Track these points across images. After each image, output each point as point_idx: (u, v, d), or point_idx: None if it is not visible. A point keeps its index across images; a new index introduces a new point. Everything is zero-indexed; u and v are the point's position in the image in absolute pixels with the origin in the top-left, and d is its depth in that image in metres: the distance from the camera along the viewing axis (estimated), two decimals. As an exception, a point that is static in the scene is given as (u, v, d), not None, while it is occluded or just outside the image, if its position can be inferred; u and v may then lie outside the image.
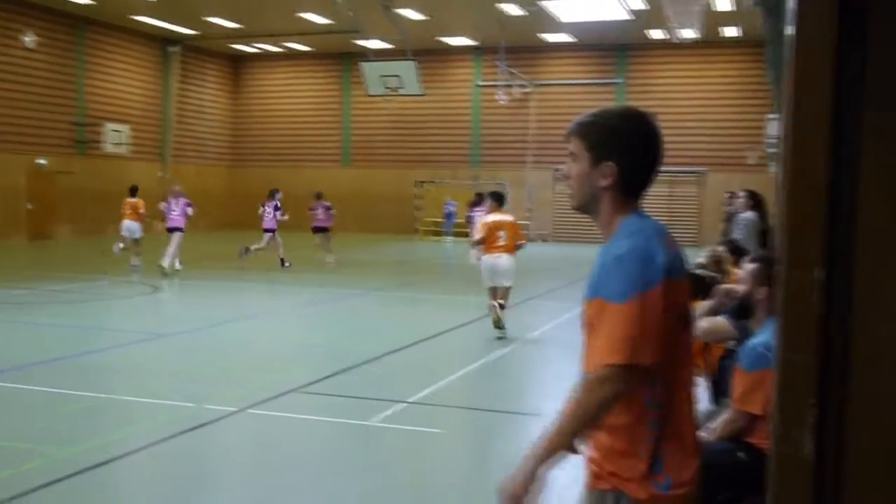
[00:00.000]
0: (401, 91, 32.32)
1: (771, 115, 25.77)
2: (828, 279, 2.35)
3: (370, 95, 33.46)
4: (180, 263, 18.97)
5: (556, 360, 10.56)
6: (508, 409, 8.15)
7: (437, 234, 35.98)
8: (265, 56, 40.55)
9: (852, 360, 2.46)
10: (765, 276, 4.36)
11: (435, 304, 15.59)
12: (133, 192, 20.46)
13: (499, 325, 11.46)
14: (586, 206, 2.57)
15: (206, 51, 38.86)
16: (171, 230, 19.08)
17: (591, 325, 2.42)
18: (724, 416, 4.32)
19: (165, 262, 18.34)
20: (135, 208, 19.86)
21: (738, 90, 33.85)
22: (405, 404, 7.91)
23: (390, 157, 38.68)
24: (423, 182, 36.98)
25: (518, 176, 36.61)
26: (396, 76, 31.71)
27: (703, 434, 2.79)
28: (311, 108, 40.15)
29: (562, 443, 2.45)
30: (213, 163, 40.22)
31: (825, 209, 2.32)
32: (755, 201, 11.47)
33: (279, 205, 21.52)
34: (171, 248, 18.65)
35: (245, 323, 12.61)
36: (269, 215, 21.36)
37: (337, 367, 9.46)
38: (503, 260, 11.59)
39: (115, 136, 32.59)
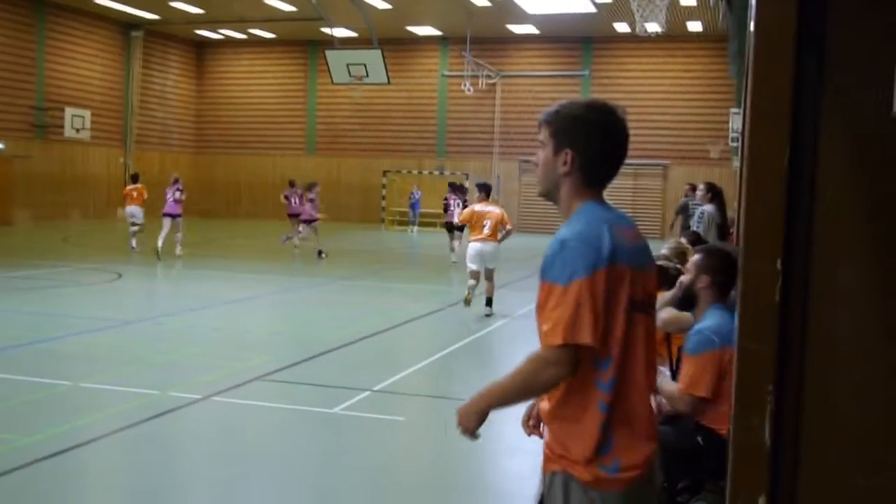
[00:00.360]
0: (366, 80, 32.16)
1: (734, 110, 26.06)
2: (786, 270, 2.42)
3: (336, 84, 33.36)
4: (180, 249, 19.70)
5: (519, 350, 10.63)
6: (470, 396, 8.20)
7: (403, 223, 35.97)
8: (229, 42, 40.20)
9: (809, 349, 2.53)
10: (707, 266, 4.46)
11: (402, 293, 15.62)
12: (135, 178, 21.72)
13: (468, 303, 12.67)
14: (549, 193, 2.67)
15: (169, 36, 38.44)
16: (167, 216, 20.01)
17: (539, 308, 2.52)
18: (670, 393, 4.36)
19: (160, 243, 19.27)
20: (139, 193, 20.59)
21: (701, 84, 34.16)
22: (370, 392, 7.94)
23: (356, 146, 38.57)
24: (388, 171, 36.92)
25: (484, 166, 36.68)
26: (362, 65, 31.60)
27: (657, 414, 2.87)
28: (276, 95, 39.88)
29: (501, 404, 2.69)
30: (176, 150, 39.84)
31: (784, 201, 2.39)
32: (713, 193, 11.60)
33: (314, 196, 21.91)
34: (164, 231, 19.64)
35: (210, 311, 12.56)
36: (296, 204, 22.43)
37: (302, 355, 9.47)
38: (489, 246, 12.74)
39: (76, 122, 32.17)
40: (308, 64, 39.24)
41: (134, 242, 20.38)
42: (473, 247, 12.73)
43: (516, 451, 6.44)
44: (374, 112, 37.92)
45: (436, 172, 36.69)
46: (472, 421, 2.72)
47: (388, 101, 37.49)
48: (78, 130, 32.24)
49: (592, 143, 2.54)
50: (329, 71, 32.26)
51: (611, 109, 2.57)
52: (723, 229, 11.05)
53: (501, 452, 6.58)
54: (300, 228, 21.76)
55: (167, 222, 19.84)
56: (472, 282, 12.69)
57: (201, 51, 40.92)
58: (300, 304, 13.76)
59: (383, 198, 36.92)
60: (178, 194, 20.13)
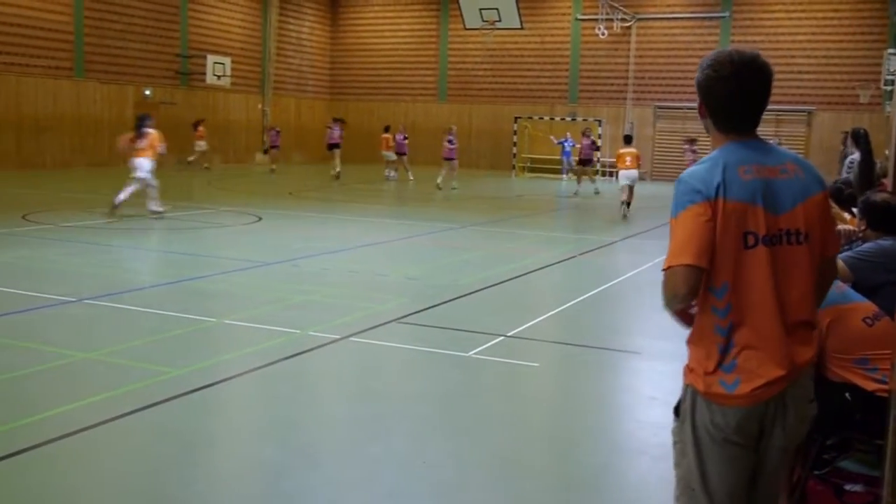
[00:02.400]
0: (499, 25, 31.92)
1: (890, 51, 24.55)
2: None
3: (468, 29, 33.20)
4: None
5: (655, 298, 10.43)
6: (606, 345, 8.13)
7: (535, 170, 35.71)
8: (363, -11, 40.50)
9: None
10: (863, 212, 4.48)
11: (534, 240, 15.56)
12: (387, 129, 27.12)
13: (625, 214, 19.34)
14: (708, 132, 2.97)
15: (305, -17, 39.01)
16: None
17: None
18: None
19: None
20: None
21: (851, 24, 32.33)
22: (503, 338, 7.96)
23: (487, 92, 38.39)
24: (519, 118, 36.62)
25: (617, 112, 35.97)
26: (495, 9, 31.31)
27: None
28: (408, 42, 40.01)
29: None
30: (311, 96, 40.63)
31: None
32: (856, 139, 10.96)
33: (592, 142, 26.75)
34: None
35: (345, 254, 12.82)
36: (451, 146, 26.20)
37: (436, 299, 9.56)
38: (630, 172, 19.76)
39: (217, 69, 33.17)
40: (440, 10, 39.14)
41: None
42: (621, 173, 20.01)
43: (653, 402, 6.36)
44: (506, 58, 37.59)
45: (567, 119, 36.19)
46: None
47: (519, 46, 37.09)
48: (219, 77, 33.27)
49: (713, 93, 2.84)
50: (461, 16, 32.15)
51: (730, 64, 2.78)
52: (869, 176, 10.47)
53: (638, 402, 6.51)
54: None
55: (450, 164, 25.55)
56: (623, 196, 19.63)
57: (336, -2, 41.38)
58: (432, 249, 13.88)
59: (514, 144, 36.73)
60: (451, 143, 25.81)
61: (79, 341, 7.43)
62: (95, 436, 5.26)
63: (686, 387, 2.89)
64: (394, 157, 28.91)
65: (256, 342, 7.56)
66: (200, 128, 31.63)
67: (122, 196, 15.61)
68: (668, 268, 2.70)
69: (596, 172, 28.43)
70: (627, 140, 21.42)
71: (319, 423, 5.83)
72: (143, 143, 15.96)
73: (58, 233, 13.86)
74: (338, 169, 28.60)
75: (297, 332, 7.88)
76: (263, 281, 10.49)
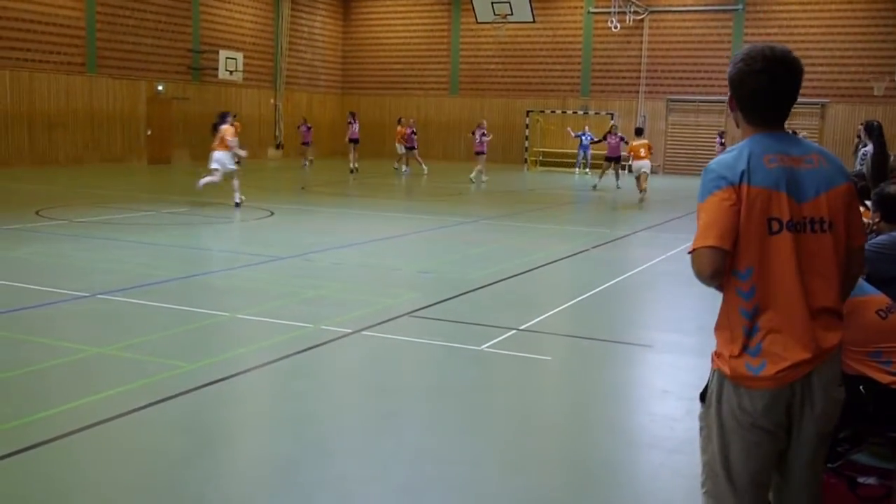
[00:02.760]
0: (511, 18, 31.88)
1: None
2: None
3: (480, 23, 33.16)
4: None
5: (668, 291, 10.44)
6: (619, 339, 8.12)
7: (547, 164, 35.66)
8: (375, -17, 40.48)
9: None
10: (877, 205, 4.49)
11: (547, 234, 15.55)
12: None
13: (641, 199, 21.57)
14: (738, 126, 3.04)
15: (316, -22, 39.03)
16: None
17: None
18: None
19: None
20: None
21: (865, 16, 32.13)
22: (515, 331, 7.96)
23: (499, 86, 38.34)
24: (531, 111, 36.56)
25: (629, 105, 35.86)
26: (507, 2, 31.28)
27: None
28: (420, 36, 39.98)
29: None
30: (323, 90, 40.67)
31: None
32: (869, 131, 10.89)
33: (485, 132, 27.69)
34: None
35: (357, 248, 12.84)
36: (478, 140, 27.30)
37: (449, 293, 9.57)
38: (644, 162, 21.68)
39: (230, 64, 33.23)
40: (452, 4, 39.09)
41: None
42: (635, 163, 21.94)
43: (667, 395, 6.35)
44: (518, 51, 37.53)
45: (580, 112, 36.12)
46: None
47: (531, 39, 37.01)
48: (231, 72, 33.32)
49: (745, 86, 2.90)
50: (473, 10, 32.10)
51: (762, 59, 2.85)
52: (882, 168, 10.39)
53: (651, 395, 6.50)
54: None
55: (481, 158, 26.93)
56: (640, 186, 21.75)
57: (347, -8, 41.37)
58: (445, 243, 13.89)
59: (526, 138, 36.67)
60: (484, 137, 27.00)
61: (93, 336, 7.47)
62: (110, 430, 5.29)
63: (713, 371, 2.96)
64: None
65: (269, 336, 7.58)
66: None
67: (202, 182, 17.47)
68: (694, 250, 2.81)
69: (623, 168, 28.37)
70: (639, 133, 23.51)
71: (333, 416, 5.84)
72: (217, 139, 17.72)
73: (71, 228, 13.94)
74: (356, 164, 29.29)
75: (310, 326, 7.90)
76: (276, 275, 10.52)
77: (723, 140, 27.95)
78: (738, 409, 2.85)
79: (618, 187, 25.94)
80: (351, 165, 29.34)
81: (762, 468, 2.90)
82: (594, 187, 25.90)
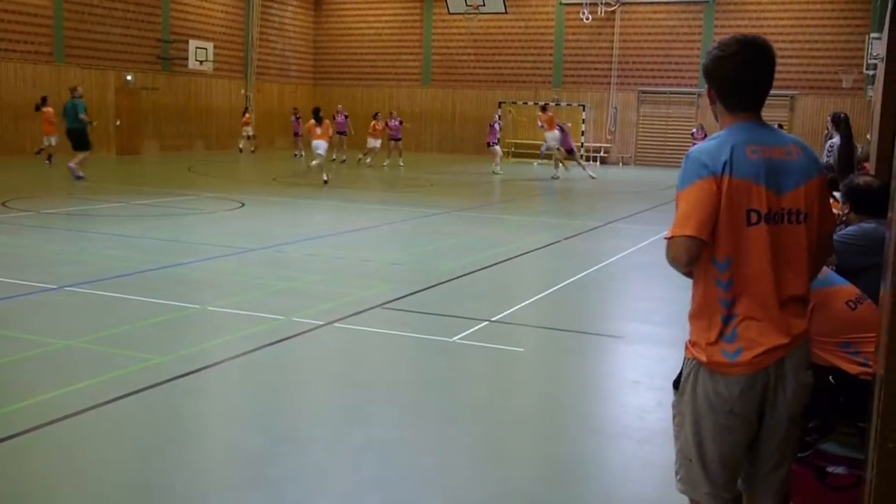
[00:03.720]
0: (483, 9, 31.86)
1: (874, 35, 24.61)
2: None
3: (452, 13, 33.09)
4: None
5: (639, 283, 10.48)
6: (590, 330, 8.14)
7: (519, 155, 35.67)
8: (347, -27, 40.25)
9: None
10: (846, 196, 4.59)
11: (518, 225, 15.56)
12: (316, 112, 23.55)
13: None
14: (717, 121, 3.06)
15: (288, -33, 38.75)
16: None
17: None
18: None
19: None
20: (325, 129, 22.63)
21: (834, 8, 32.41)
22: (488, 322, 7.96)
23: (471, 77, 38.30)
24: (503, 103, 36.56)
25: (601, 97, 35.96)
26: (479, -7, 31.21)
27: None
28: (392, 26, 39.83)
29: None
30: (294, 81, 40.43)
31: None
32: (836, 123, 11.00)
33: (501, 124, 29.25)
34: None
35: (329, 240, 12.79)
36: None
37: (421, 284, 9.55)
38: (553, 132, 24.89)
39: (200, 54, 32.93)
40: (424, -6, 38.96)
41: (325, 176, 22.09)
42: (547, 135, 24.89)
43: (638, 386, 6.38)
44: (490, 43, 37.50)
45: (552, 103, 36.16)
46: None
47: (503, 31, 37.00)
48: (201, 62, 33.01)
49: (720, 71, 2.95)
50: (446, 0, 32.02)
51: (735, 44, 2.91)
52: (849, 160, 10.51)
53: (622, 386, 6.52)
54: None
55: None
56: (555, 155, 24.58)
57: (319, -18, 41.12)
58: (417, 235, 13.86)
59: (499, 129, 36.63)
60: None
61: (60, 329, 7.38)
62: (79, 423, 5.23)
63: (687, 360, 3.00)
64: (377, 144, 28.70)
65: (240, 329, 7.53)
66: (247, 114, 34.03)
67: (313, 164, 22.15)
68: (671, 237, 2.84)
69: (582, 157, 28.97)
70: (543, 108, 27.07)
71: (304, 409, 5.81)
72: (319, 130, 21.97)
73: (39, 219, 13.76)
74: (344, 157, 29.43)
75: (281, 318, 7.85)
76: (247, 267, 10.45)
77: (702, 133, 28.94)
78: (714, 396, 2.90)
79: (592, 177, 26.16)
80: (337, 158, 29.31)
81: (734, 453, 2.97)
82: (553, 177, 26.13)
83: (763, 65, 2.94)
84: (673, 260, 2.87)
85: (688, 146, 25.65)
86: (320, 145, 21.88)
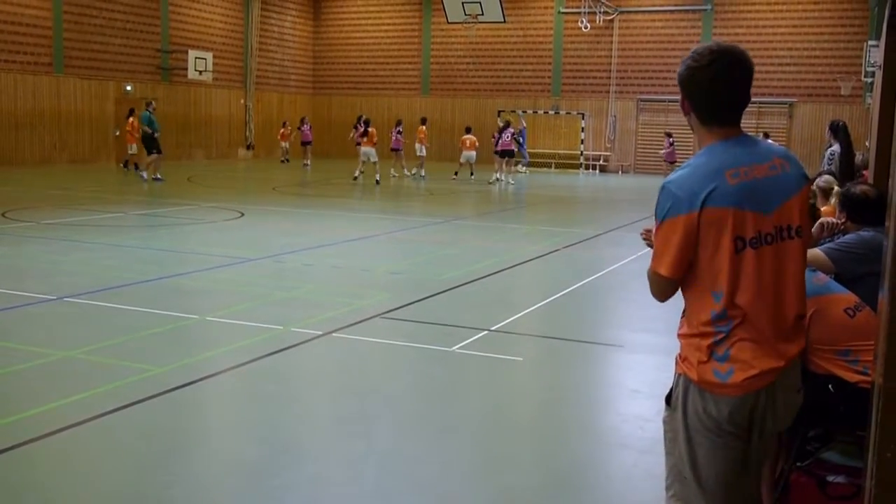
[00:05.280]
0: (481, 18, 31.88)
1: (871, 42, 24.66)
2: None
3: (450, 23, 33.14)
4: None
5: (638, 291, 10.46)
6: (590, 339, 8.14)
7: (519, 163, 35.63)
8: (345, -17, 40.34)
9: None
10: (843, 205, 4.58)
11: (516, 234, 15.56)
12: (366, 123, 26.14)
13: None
14: (694, 132, 2.97)
15: (287, -22, 38.85)
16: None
17: None
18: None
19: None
20: (371, 137, 25.21)
21: (832, 16, 32.47)
22: (487, 332, 7.95)
23: (470, 86, 38.36)
24: (502, 111, 36.59)
25: (600, 105, 36.00)
26: (477, 2, 31.29)
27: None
28: (391, 36, 39.91)
29: None
30: (294, 91, 40.49)
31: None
32: (834, 131, 11.01)
33: (512, 133, 28.14)
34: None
35: (328, 249, 12.78)
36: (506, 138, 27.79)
37: (420, 294, 9.54)
38: (470, 153, 27.44)
39: (199, 64, 32.98)
40: (423, 4, 39.05)
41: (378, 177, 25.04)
42: (464, 153, 27.43)
43: (638, 395, 6.36)
44: (489, 51, 37.57)
45: (551, 112, 36.22)
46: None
47: (502, 39, 37.06)
48: (200, 72, 33.06)
49: (694, 82, 2.82)
50: (444, 10, 32.08)
51: (709, 53, 2.79)
52: (850, 167, 10.50)
53: (622, 395, 6.51)
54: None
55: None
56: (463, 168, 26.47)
57: (317, -8, 41.21)
58: (416, 244, 13.86)
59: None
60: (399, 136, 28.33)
61: (59, 340, 7.36)
62: (76, 435, 5.22)
63: (678, 376, 2.92)
64: (374, 155, 25.94)
65: (239, 339, 7.52)
66: (285, 129, 34.63)
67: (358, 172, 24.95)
68: (651, 270, 2.86)
69: (517, 163, 30.41)
70: (468, 130, 28.39)
71: (303, 420, 5.80)
72: (365, 138, 24.88)
73: (38, 230, 13.76)
74: (360, 170, 26.72)
75: (280, 328, 7.84)
76: (246, 277, 10.44)
77: (672, 140, 30.14)
78: (704, 414, 2.83)
79: (499, 180, 26.93)
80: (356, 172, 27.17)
81: (730, 469, 2.89)
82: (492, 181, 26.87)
83: (739, 74, 2.79)
84: (652, 294, 2.92)
85: (690, 153, 25.75)
86: (370, 153, 24.66)
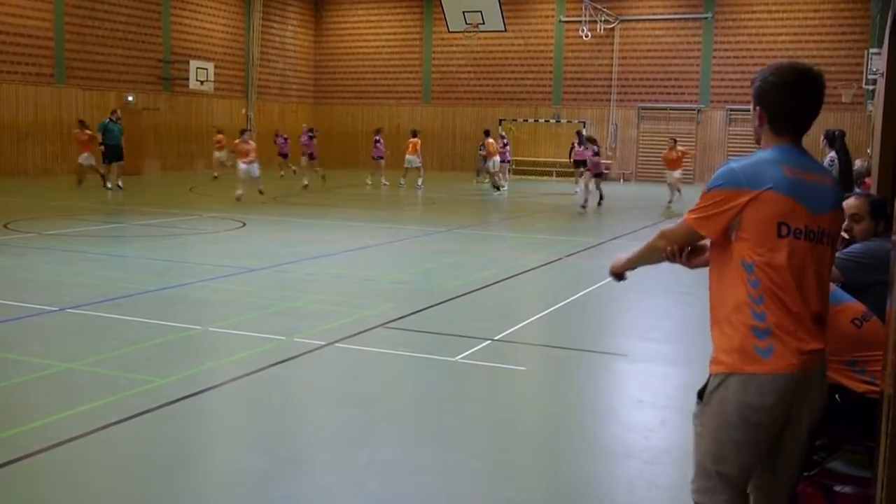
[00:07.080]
0: (482, 27, 31.95)
1: (873, 50, 24.67)
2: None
3: (451, 32, 33.21)
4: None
5: (641, 301, 10.45)
6: (593, 348, 8.11)
7: (520, 172, 35.68)
8: (347, -8, 40.44)
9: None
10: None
11: (520, 243, 15.55)
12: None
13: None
14: (757, 140, 3.19)
15: (288, -12, 38.94)
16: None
17: None
18: None
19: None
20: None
21: (833, 24, 32.52)
22: (490, 342, 7.93)
23: (471, 95, 38.40)
24: (503, 120, 36.63)
25: (601, 114, 36.02)
26: (478, 12, 31.35)
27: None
28: (392, 45, 39.98)
29: (643, 261, 3.53)
30: (295, 100, 40.53)
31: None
32: (830, 140, 11.03)
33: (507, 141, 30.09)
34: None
35: (331, 259, 12.77)
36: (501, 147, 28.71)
37: (422, 303, 9.52)
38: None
39: (200, 74, 33.04)
40: (424, 13, 39.13)
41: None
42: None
43: (642, 405, 6.34)
44: (490, 60, 37.61)
45: (552, 121, 36.23)
46: (619, 269, 3.70)
47: (503, 48, 37.11)
48: (202, 83, 33.11)
49: (776, 97, 3.05)
50: (445, 19, 32.14)
51: (794, 73, 3.05)
52: (849, 176, 10.49)
53: (626, 405, 6.48)
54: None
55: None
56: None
57: (319, 2, 41.29)
58: (419, 253, 13.84)
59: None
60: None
61: (61, 351, 7.35)
62: (80, 447, 5.20)
63: (713, 376, 3.05)
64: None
65: (242, 350, 7.50)
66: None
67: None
68: (684, 218, 3.13)
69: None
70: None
71: (306, 430, 5.78)
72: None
73: (41, 241, 13.75)
74: (385, 182, 28.34)
75: (283, 338, 7.82)
76: (248, 287, 10.42)
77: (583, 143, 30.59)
78: (746, 407, 2.94)
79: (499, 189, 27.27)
80: (369, 181, 28.65)
81: (753, 464, 3.05)
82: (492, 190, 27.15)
83: (816, 95, 3.06)
84: (670, 234, 3.19)
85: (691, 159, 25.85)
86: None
